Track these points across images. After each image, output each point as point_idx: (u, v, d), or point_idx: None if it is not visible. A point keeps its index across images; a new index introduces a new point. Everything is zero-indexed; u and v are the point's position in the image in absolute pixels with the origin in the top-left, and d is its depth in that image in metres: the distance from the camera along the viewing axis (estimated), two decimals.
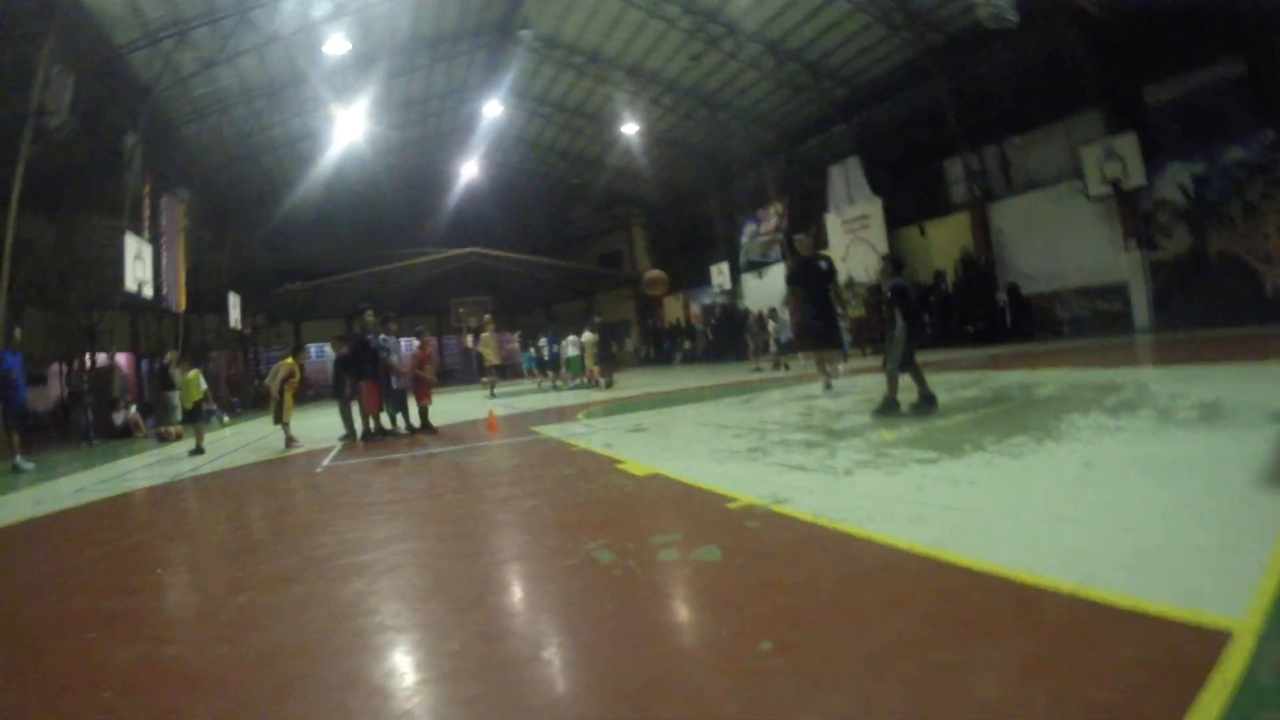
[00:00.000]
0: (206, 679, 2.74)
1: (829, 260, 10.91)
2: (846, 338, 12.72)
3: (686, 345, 39.08)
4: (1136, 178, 19.65)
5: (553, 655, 2.64)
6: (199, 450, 12.32)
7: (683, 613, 3.01)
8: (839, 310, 10.85)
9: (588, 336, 21.14)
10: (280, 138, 30.28)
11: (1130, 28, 19.47)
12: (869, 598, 2.79)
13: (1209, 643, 2.10)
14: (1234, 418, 5.63)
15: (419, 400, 12.53)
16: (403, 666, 2.69)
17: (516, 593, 3.53)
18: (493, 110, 32.62)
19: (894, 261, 8.17)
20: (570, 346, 22.01)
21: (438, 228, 41.97)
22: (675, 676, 2.34)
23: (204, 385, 13.33)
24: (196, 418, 13.08)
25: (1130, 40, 19.70)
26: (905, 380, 7.99)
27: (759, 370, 20.66)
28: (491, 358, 21.67)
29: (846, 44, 25.57)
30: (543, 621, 3.06)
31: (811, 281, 10.59)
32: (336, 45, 23.30)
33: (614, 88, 30.62)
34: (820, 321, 10.58)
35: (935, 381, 11.27)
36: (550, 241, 46.88)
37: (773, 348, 21.45)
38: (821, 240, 29.23)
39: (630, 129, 32.26)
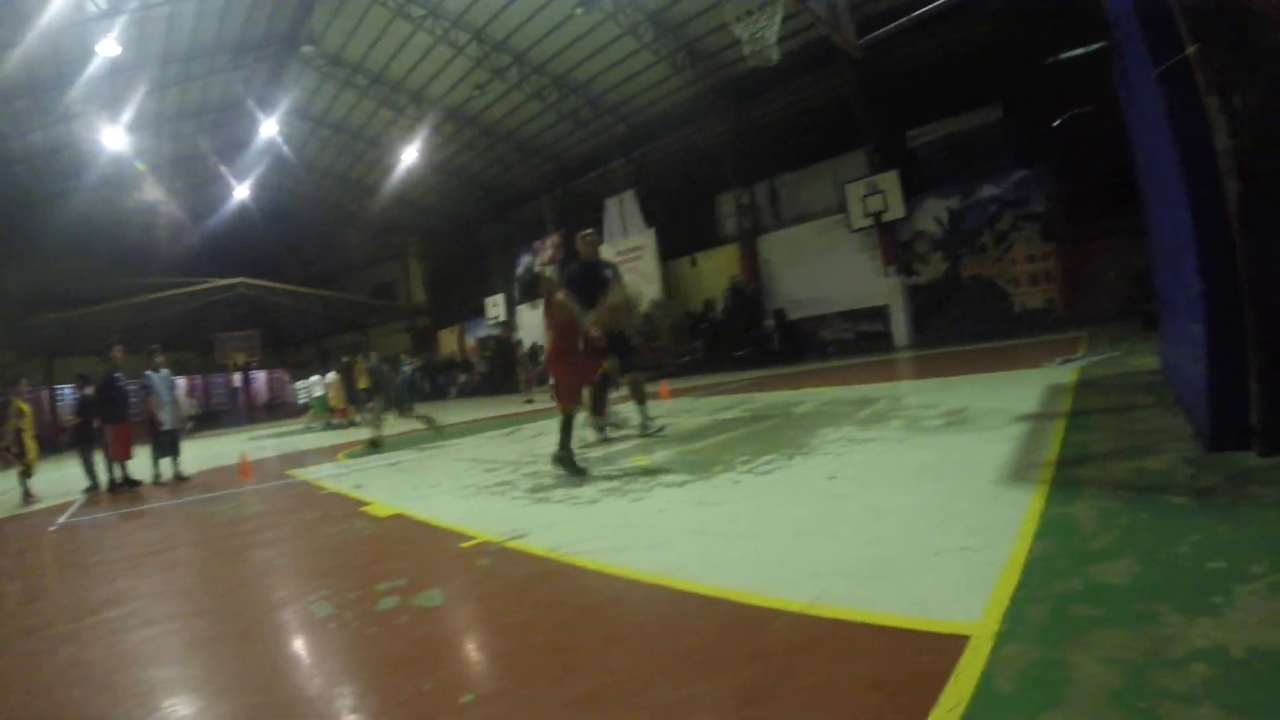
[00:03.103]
0: None
1: (614, 267, 8.79)
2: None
3: (462, 378, 38.13)
4: (896, 211, 21.54)
5: None
6: None
7: (381, 669, 2.78)
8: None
9: (332, 376, 20.24)
10: (40, 145, 27.27)
11: (898, 76, 21.92)
12: (588, 635, 2.72)
13: (946, 651, 2.12)
14: (979, 422, 6.07)
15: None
16: None
17: (217, 656, 3.24)
18: (270, 129, 30.75)
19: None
20: (316, 387, 21.05)
21: (208, 253, 38.90)
22: None
23: None
24: None
25: (897, 88, 22.03)
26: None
27: (531, 402, 20.67)
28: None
29: (630, 80, 26.08)
30: (219, 690, 2.82)
31: (590, 290, 8.23)
32: (108, 48, 21.17)
33: (396, 112, 29.62)
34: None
35: (700, 405, 11.63)
36: (323, 270, 44.67)
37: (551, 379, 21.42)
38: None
39: (410, 155, 31.12)
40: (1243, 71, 4.37)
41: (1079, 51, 7.12)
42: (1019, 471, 4.22)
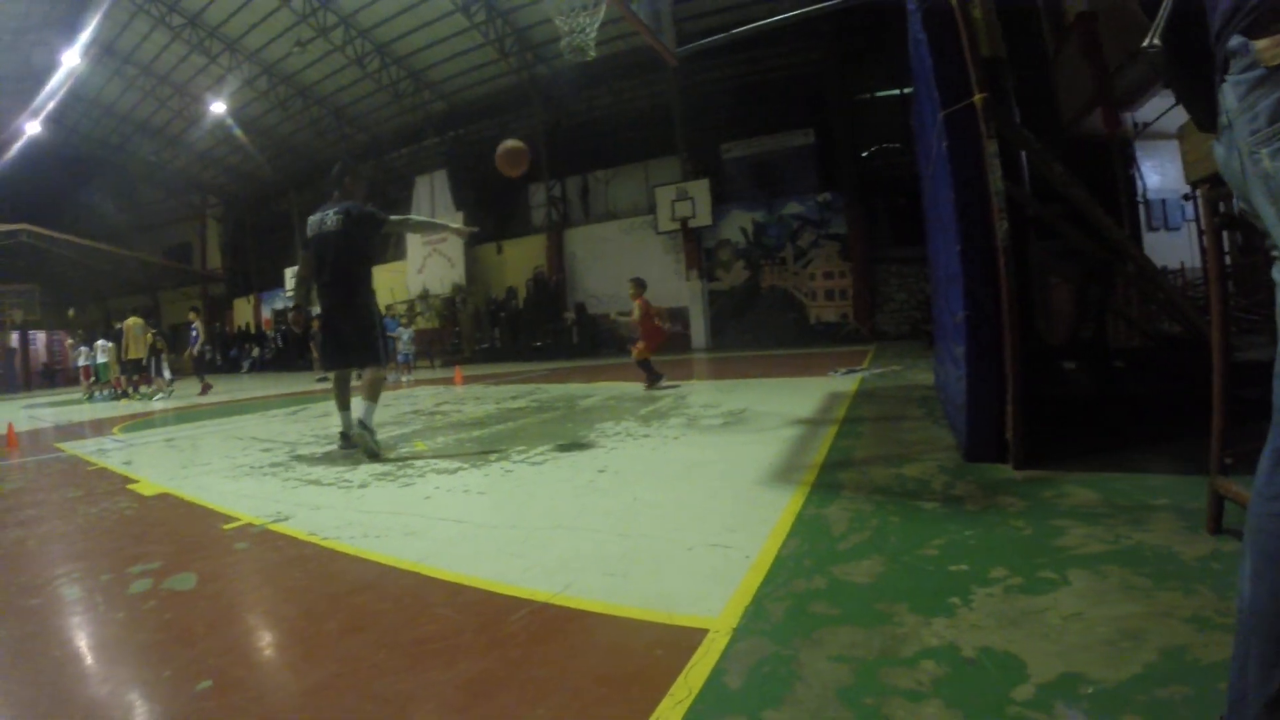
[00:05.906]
0: None
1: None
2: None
3: (255, 352, 35.79)
4: (704, 218, 22.40)
5: None
6: None
7: (122, 654, 2.54)
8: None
9: (110, 343, 18.58)
10: None
11: (718, 91, 23.13)
12: (331, 623, 2.56)
13: (682, 645, 2.09)
14: (755, 424, 6.22)
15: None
16: None
17: None
18: (71, 60, 27.40)
19: None
20: (100, 352, 19.38)
21: None
22: None
23: None
24: None
25: (717, 102, 23.18)
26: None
27: (324, 380, 19.69)
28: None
29: (455, 59, 25.69)
30: None
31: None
32: None
33: (209, 59, 27.09)
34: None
35: (490, 393, 11.55)
36: (116, 225, 40.48)
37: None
38: (401, 250, 29.65)
39: (219, 109, 28.92)
40: (1033, 127, 4.68)
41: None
42: (784, 473, 4.31)
